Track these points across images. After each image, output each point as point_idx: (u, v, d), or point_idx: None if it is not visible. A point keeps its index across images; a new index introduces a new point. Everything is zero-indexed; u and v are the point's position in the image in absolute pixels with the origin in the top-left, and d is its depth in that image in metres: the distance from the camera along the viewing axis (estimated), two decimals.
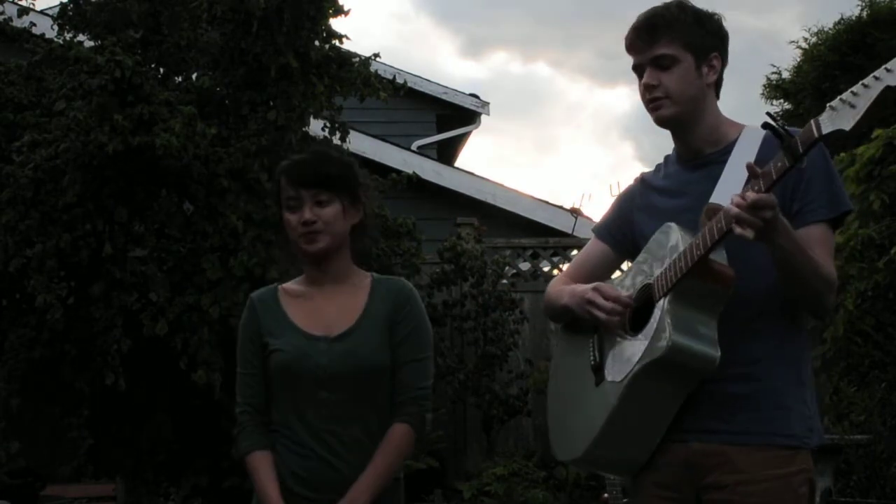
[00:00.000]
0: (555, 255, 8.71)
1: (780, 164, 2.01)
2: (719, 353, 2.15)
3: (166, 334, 5.89)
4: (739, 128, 2.36)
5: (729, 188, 2.21)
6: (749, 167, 2.05)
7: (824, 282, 2.21)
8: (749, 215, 2.00)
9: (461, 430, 7.85)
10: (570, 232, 9.27)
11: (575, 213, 9.12)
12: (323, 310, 2.42)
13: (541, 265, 8.69)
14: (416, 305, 2.50)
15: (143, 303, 6.07)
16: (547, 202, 10.05)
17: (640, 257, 2.37)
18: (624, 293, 2.30)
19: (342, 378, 2.35)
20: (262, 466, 2.36)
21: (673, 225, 2.26)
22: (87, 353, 6.01)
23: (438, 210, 9.17)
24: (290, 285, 2.51)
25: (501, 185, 9.94)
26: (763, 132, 2.28)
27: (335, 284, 2.45)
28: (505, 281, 7.99)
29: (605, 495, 4.75)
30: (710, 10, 2.35)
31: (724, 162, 2.29)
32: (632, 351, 2.23)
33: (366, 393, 2.38)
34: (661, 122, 2.33)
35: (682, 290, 2.17)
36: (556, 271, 8.50)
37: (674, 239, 2.24)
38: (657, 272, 2.24)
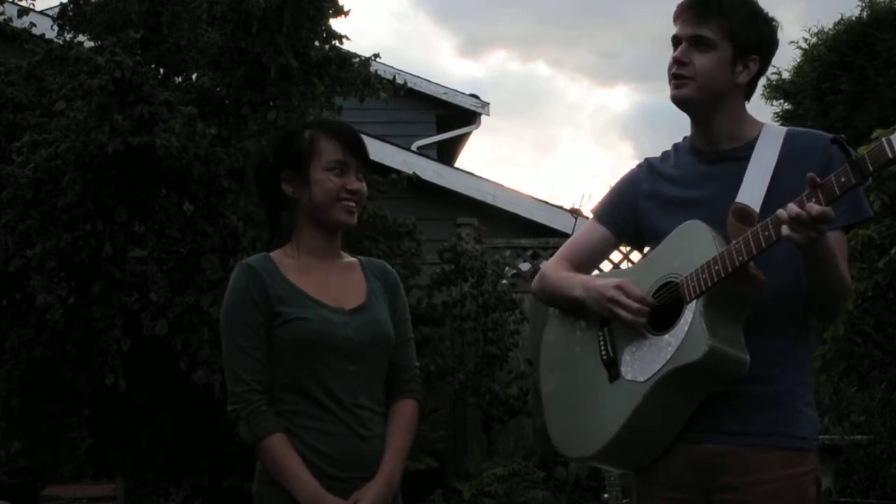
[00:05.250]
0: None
1: (843, 180, 1.98)
2: (749, 358, 2.14)
3: (166, 334, 5.90)
4: (759, 125, 2.34)
5: (754, 187, 2.21)
6: (811, 179, 2.01)
7: (844, 289, 2.22)
8: (809, 227, 1.99)
9: (461, 430, 7.85)
10: (570, 232, 9.25)
11: (575, 213, 9.10)
12: (328, 283, 2.34)
13: (541, 265, 8.66)
14: (402, 287, 2.50)
15: (143, 303, 6.08)
16: (547, 202, 10.03)
17: (654, 253, 2.33)
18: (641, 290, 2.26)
19: (367, 349, 2.30)
20: (287, 450, 2.22)
21: (700, 223, 2.22)
22: (87, 353, 6.01)
23: (438, 210, 9.16)
24: (281, 256, 2.36)
25: (501, 186, 9.94)
26: (783, 131, 2.31)
27: (332, 259, 2.39)
28: (505, 281, 7.99)
29: (605, 496, 4.75)
30: (770, 15, 2.33)
31: (745, 159, 2.26)
32: (657, 351, 2.19)
33: (380, 365, 2.36)
34: (677, 100, 2.29)
35: (716, 294, 2.15)
36: None
37: (704, 239, 2.20)
38: (684, 272, 2.20)
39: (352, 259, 2.45)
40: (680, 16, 2.30)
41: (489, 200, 9.65)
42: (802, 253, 2.11)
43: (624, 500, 4.70)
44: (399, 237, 7.04)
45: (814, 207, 1.98)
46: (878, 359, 6.54)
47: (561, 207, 9.75)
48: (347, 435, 2.26)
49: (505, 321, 7.56)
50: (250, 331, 2.26)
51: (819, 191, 2.01)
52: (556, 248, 9.57)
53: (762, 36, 2.31)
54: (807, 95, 10.80)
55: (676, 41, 2.30)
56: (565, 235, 9.13)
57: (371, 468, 2.27)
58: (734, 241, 2.13)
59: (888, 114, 8.84)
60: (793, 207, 2.01)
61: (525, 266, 8.69)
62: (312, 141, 2.33)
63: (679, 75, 2.27)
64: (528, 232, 9.38)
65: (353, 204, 2.33)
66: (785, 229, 2.02)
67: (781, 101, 11.85)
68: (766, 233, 2.08)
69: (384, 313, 2.38)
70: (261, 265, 2.32)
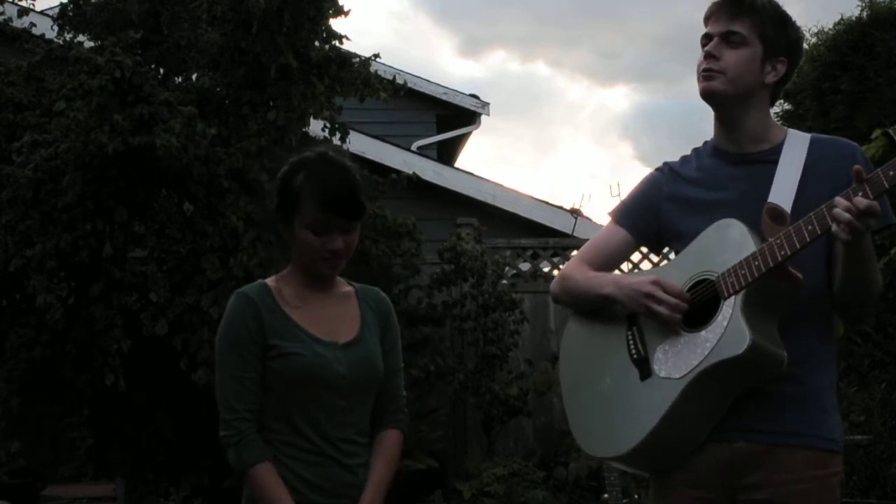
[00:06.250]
0: (555, 255, 8.71)
1: (892, 174, 1.99)
2: (786, 355, 2.14)
3: (166, 334, 5.90)
4: (783, 130, 2.37)
5: (784, 190, 2.22)
6: (857, 172, 2.02)
7: (878, 288, 2.24)
8: (858, 221, 1.99)
9: (461, 430, 7.85)
10: (569, 232, 9.28)
11: (575, 213, 9.12)
12: (323, 316, 2.36)
13: (541, 266, 8.69)
14: (395, 316, 2.49)
15: (143, 303, 6.08)
16: (547, 202, 10.03)
17: (685, 251, 2.33)
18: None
19: (358, 385, 2.33)
20: (273, 479, 2.26)
21: (737, 221, 2.23)
22: (87, 353, 6.01)
23: (438, 210, 9.16)
24: (279, 284, 2.38)
25: (501, 186, 9.94)
26: (808, 136, 2.32)
27: (329, 290, 2.40)
28: (505, 281, 7.99)
29: (605, 496, 4.75)
30: (797, 23, 2.36)
31: (773, 162, 2.28)
32: (693, 347, 2.18)
33: (370, 400, 2.39)
34: (708, 94, 2.31)
35: (755, 290, 2.15)
36: (555, 272, 8.47)
37: (741, 236, 2.20)
38: (719, 269, 2.20)
39: (348, 288, 2.45)
40: (712, 15, 2.34)
41: (489, 200, 9.66)
42: (847, 250, 2.12)
43: (624, 500, 4.70)
44: (399, 237, 7.04)
45: (861, 201, 1.99)
46: (878, 359, 6.54)
47: (561, 208, 9.76)
48: (332, 465, 2.30)
49: (505, 321, 7.56)
50: (244, 360, 2.29)
51: (866, 185, 2.01)
52: (556, 248, 9.50)
53: (791, 39, 2.35)
54: (807, 95, 10.79)
55: (707, 39, 2.33)
56: (565, 236, 9.15)
57: (354, 497, 2.31)
58: (774, 238, 2.14)
59: (888, 114, 8.83)
60: (840, 201, 2.01)
61: (525, 266, 8.69)
62: (301, 194, 2.27)
63: (709, 69, 2.29)
64: (528, 232, 9.38)
65: (335, 261, 2.31)
66: (833, 225, 2.02)
67: (781, 101, 11.85)
68: (810, 227, 2.08)
69: (376, 347, 2.39)
70: (257, 295, 2.33)
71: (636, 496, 5.16)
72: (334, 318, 2.37)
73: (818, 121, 10.10)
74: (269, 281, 2.40)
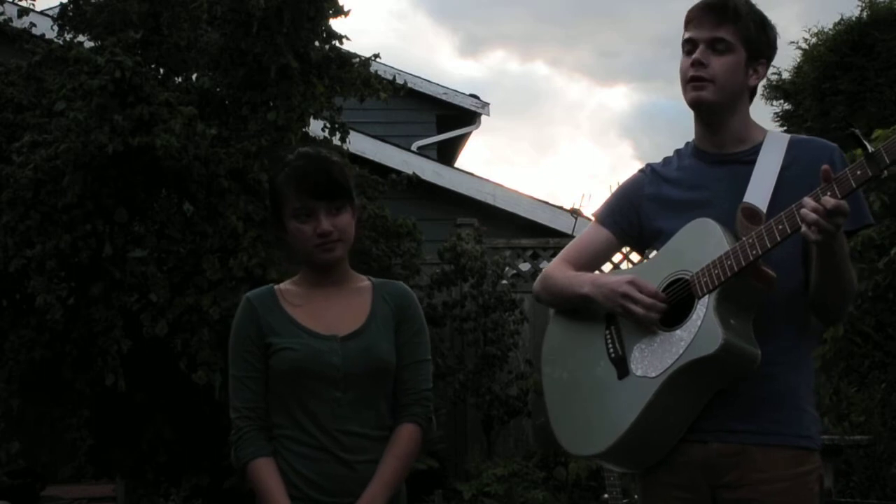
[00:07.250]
0: (555, 255, 8.66)
1: (859, 173, 2.00)
2: (760, 353, 2.16)
3: (166, 335, 5.90)
4: (763, 130, 2.38)
5: (760, 189, 2.23)
6: (825, 171, 2.03)
7: (853, 291, 2.25)
8: (825, 221, 2.00)
9: (461, 430, 7.85)
10: (570, 232, 9.26)
11: (575, 213, 9.09)
12: (327, 311, 2.38)
13: (541, 266, 8.69)
14: (417, 308, 2.51)
15: (143, 303, 6.07)
16: (547, 203, 10.04)
17: (661, 250, 2.35)
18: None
19: (356, 377, 2.33)
20: (268, 474, 2.29)
21: (711, 221, 2.25)
22: (87, 354, 6.01)
23: (438, 211, 9.17)
24: (286, 286, 2.44)
25: (501, 186, 9.94)
26: (787, 137, 2.34)
27: (337, 287, 2.42)
28: (505, 281, 7.99)
29: (605, 496, 4.74)
30: (772, 22, 2.38)
31: (751, 162, 2.29)
32: (668, 346, 2.21)
33: (375, 392, 2.37)
34: (699, 103, 2.32)
35: (728, 289, 2.17)
36: None
37: (715, 236, 2.22)
38: (694, 268, 2.22)
39: (364, 283, 2.47)
40: (694, 19, 2.34)
41: (489, 200, 9.66)
42: (819, 251, 2.13)
43: (624, 501, 4.70)
44: (399, 237, 7.04)
45: (829, 200, 2.00)
46: (878, 359, 6.53)
47: (561, 208, 9.75)
48: (331, 460, 2.30)
49: (505, 321, 7.57)
50: (244, 361, 2.38)
51: (834, 184, 2.02)
52: (556, 248, 9.52)
53: (770, 41, 2.37)
54: (807, 95, 10.80)
55: (691, 44, 2.32)
56: (565, 236, 9.13)
57: (356, 494, 2.30)
58: (746, 237, 2.16)
59: (888, 114, 8.84)
60: (808, 201, 2.03)
61: (525, 266, 8.68)
62: (281, 188, 2.37)
63: (699, 77, 2.30)
64: (528, 232, 9.38)
65: (330, 244, 2.34)
66: (803, 226, 2.03)
67: (781, 101, 11.85)
68: (781, 226, 2.10)
69: (382, 339, 2.39)
70: (259, 299, 2.42)
71: (636, 496, 5.15)
72: (338, 312, 2.39)
73: (818, 121, 10.11)
74: (280, 285, 2.46)
